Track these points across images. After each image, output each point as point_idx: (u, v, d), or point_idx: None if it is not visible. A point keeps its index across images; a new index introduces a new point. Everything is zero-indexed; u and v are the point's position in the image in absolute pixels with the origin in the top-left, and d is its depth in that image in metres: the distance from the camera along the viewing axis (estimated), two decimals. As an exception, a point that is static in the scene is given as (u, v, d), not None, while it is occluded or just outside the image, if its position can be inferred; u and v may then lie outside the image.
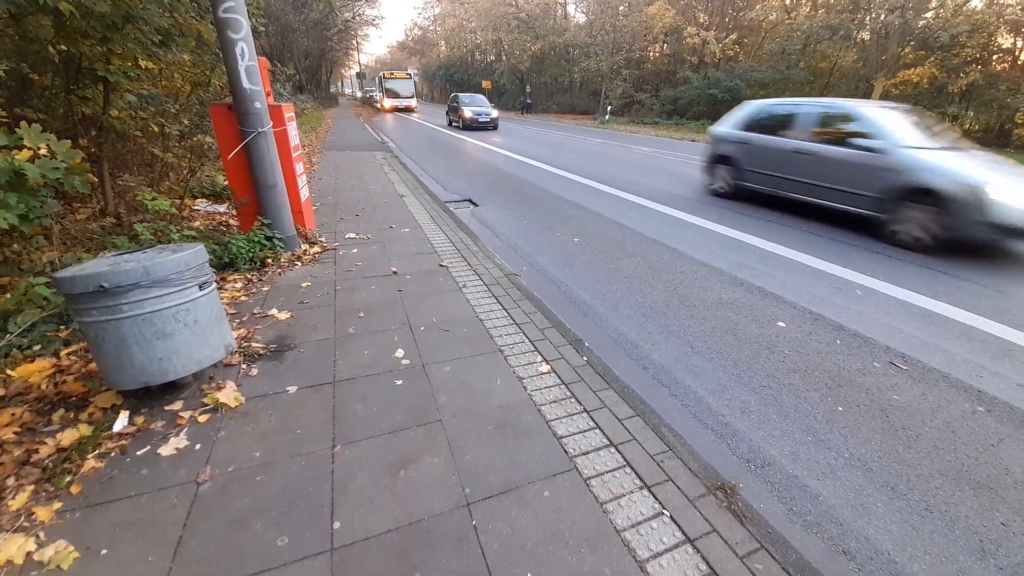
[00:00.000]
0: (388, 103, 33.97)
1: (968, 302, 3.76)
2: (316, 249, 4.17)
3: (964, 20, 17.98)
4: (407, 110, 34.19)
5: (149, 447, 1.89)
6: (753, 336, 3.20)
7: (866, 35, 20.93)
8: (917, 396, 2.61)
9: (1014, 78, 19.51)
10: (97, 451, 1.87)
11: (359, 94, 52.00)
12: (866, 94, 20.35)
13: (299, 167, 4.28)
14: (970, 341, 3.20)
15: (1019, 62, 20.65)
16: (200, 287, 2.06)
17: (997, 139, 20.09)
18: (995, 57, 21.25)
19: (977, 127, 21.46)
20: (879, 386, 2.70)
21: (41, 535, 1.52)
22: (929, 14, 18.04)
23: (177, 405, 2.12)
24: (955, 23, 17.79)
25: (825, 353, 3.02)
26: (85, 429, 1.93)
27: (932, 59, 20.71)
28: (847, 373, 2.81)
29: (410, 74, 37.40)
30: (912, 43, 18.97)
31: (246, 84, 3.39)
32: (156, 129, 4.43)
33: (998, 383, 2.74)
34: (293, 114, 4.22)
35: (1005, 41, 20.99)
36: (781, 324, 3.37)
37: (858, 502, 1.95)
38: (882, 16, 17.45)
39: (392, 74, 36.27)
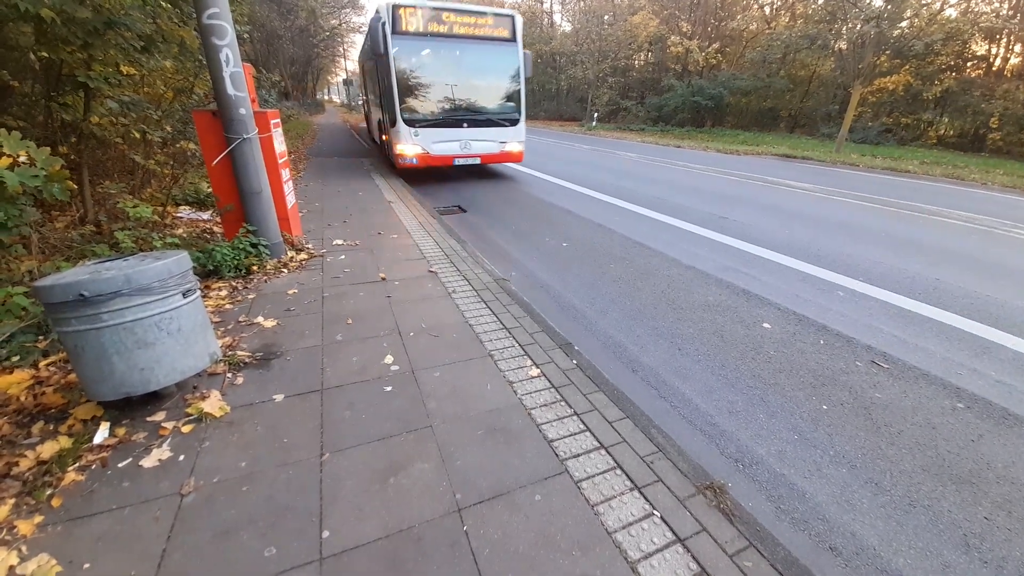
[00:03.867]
0: (410, 147, 7.63)
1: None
2: (303, 256, 4.13)
3: (938, 28, 18.58)
4: (500, 161, 8.68)
5: (131, 459, 1.85)
6: (739, 337, 3.25)
7: (843, 44, 21.52)
8: (898, 394, 2.67)
9: (988, 84, 20.18)
10: (77, 464, 1.82)
11: (347, 101, 49.16)
12: (844, 101, 20.88)
13: (285, 173, 4.25)
14: (948, 339, 3.29)
15: (993, 68, 21.37)
16: (184, 295, 2.03)
17: (972, 144, 20.72)
18: (969, 64, 21.98)
19: (952, 132, 22.14)
20: (862, 385, 2.75)
21: (23, 549, 1.49)
22: (904, 23, 18.61)
23: (160, 416, 2.07)
24: (929, 31, 18.37)
25: (809, 353, 3.07)
26: (65, 441, 1.89)
27: (907, 67, 21.37)
28: (831, 372, 2.86)
29: (513, 28, 7.97)
30: (887, 52, 19.53)
31: (231, 90, 3.36)
32: (137, 136, 4.37)
33: (976, 380, 2.81)
34: (279, 120, 4.20)
35: (979, 48, 21.72)
36: (766, 325, 3.42)
37: (843, 498, 1.98)
38: (858, 26, 17.95)
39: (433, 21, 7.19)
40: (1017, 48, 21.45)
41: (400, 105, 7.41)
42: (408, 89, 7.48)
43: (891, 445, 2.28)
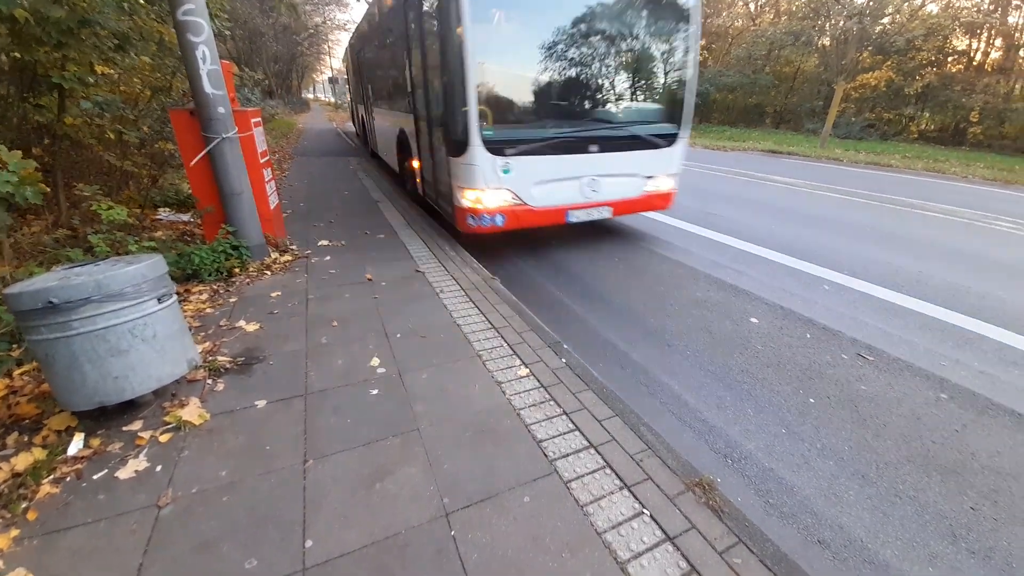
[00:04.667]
0: (492, 193, 4.09)
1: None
2: (287, 257, 4.06)
3: (920, 24, 18.88)
4: (638, 210, 5.18)
5: (106, 471, 1.79)
6: (727, 333, 3.26)
7: (826, 40, 21.76)
8: (883, 386, 2.70)
9: (968, 79, 20.54)
10: (52, 476, 1.77)
11: (332, 99, 48.50)
12: (828, 97, 21.13)
13: (267, 173, 4.17)
14: (931, 331, 3.33)
15: (974, 63, 21.75)
16: (159, 300, 1.97)
17: (952, 138, 21.09)
18: (950, 59, 22.34)
19: (932, 127, 22.51)
20: (847, 377, 2.77)
21: (0, 563, 1.44)
22: (886, 19, 18.88)
23: (136, 425, 2.01)
24: (911, 27, 18.66)
25: (796, 347, 3.09)
26: (39, 453, 1.83)
27: (889, 63, 21.68)
28: (817, 366, 2.88)
29: None
30: (869, 48, 19.81)
31: (208, 89, 3.28)
32: (113, 136, 4.25)
33: (959, 370, 2.85)
34: (260, 119, 4.11)
35: (960, 43, 22.08)
36: (754, 320, 3.43)
37: (831, 491, 1.99)
38: (841, 22, 18.18)
39: None
40: (998, 43, 21.85)
41: (478, 112, 3.77)
42: (493, 81, 3.93)
43: (877, 437, 2.30)
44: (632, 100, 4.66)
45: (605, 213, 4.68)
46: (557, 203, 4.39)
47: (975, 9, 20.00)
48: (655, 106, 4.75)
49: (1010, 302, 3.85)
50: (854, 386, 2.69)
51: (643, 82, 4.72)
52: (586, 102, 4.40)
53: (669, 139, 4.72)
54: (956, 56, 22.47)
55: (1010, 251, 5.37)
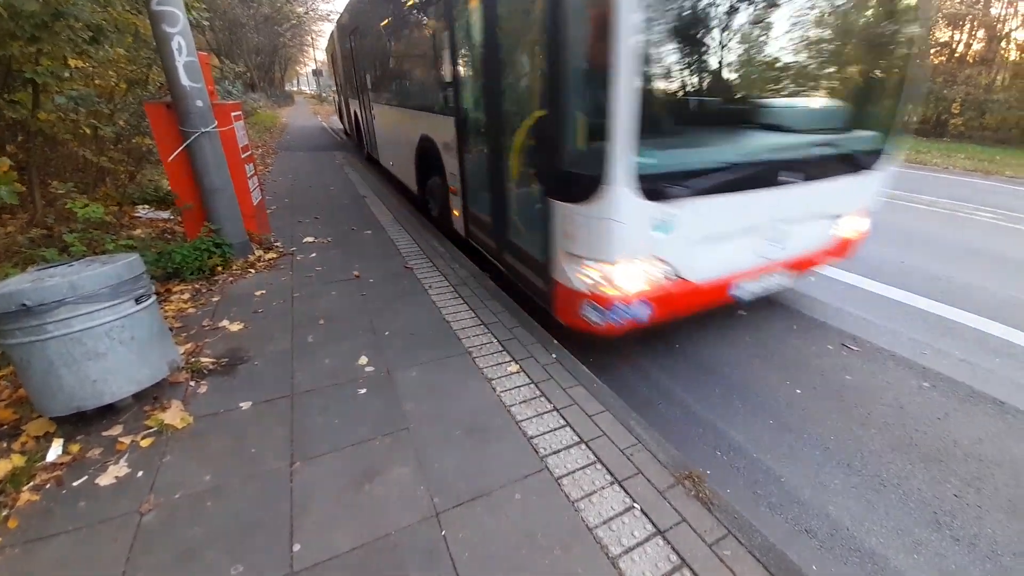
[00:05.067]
0: (636, 268, 2.26)
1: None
2: (271, 255, 3.99)
3: (901, 16, 19.01)
4: (816, 264, 3.14)
5: (87, 477, 1.75)
6: (715, 326, 3.27)
7: (812, 31, 21.83)
8: (868, 376, 2.74)
9: (950, 71, 20.77)
10: (32, 483, 1.73)
11: (318, 91, 47.46)
12: (814, 87, 21.26)
13: (250, 169, 4.08)
14: (914, 321, 3.39)
15: (956, 55, 21.98)
16: (137, 301, 1.91)
17: (934, 129, 21.39)
18: (932, 51, 22.55)
19: (914, 118, 22.78)
20: (833, 368, 2.81)
21: (-21, 573, 1.41)
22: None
23: (116, 430, 1.97)
24: (893, 19, 18.79)
25: (783, 339, 3.12)
26: (18, 459, 1.79)
27: (872, 54, 21.87)
28: (804, 357, 2.92)
29: None
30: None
31: (185, 81, 3.18)
32: (88, 132, 4.12)
33: (941, 359, 2.90)
34: (240, 113, 4.01)
35: (943, 35, 22.27)
36: (741, 312, 3.46)
37: (817, 481, 2.02)
38: (826, 12, 18.28)
39: None
40: (980, 34, 22.12)
41: (633, 123, 1.92)
42: (650, 65, 2.07)
43: (862, 426, 2.34)
44: (834, 100, 3.06)
45: (784, 280, 3.00)
46: (724, 272, 2.69)
47: (958, 1, 20.22)
48: (858, 109, 3.05)
49: (991, 291, 3.92)
50: (839, 376, 2.73)
51: (850, 73, 3.10)
52: (778, 105, 2.82)
53: (871, 156, 3.03)
54: (938, 48, 22.72)
55: (991, 241, 5.47)
